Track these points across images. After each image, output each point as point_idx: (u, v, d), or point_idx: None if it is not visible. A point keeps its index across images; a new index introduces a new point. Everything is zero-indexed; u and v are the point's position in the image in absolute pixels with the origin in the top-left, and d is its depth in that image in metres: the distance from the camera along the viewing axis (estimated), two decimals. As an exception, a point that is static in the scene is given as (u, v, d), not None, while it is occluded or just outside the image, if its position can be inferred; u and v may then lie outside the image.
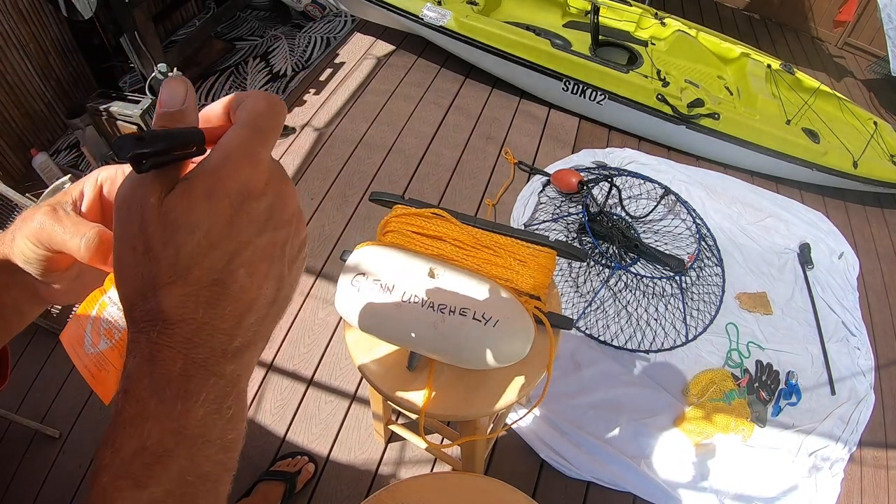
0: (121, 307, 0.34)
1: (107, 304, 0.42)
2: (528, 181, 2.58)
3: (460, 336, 0.70)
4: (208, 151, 0.30)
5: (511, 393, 0.82)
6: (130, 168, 0.28)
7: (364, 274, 0.72)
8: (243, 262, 0.29)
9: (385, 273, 0.73)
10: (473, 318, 0.71)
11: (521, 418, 1.67)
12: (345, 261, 0.78)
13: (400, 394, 0.84)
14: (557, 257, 0.87)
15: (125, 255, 0.28)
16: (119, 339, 0.42)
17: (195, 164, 0.29)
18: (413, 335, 0.72)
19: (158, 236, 0.27)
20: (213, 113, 0.33)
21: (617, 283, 2.22)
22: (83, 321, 0.43)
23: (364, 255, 0.75)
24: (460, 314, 0.71)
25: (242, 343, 0.30)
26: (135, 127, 2.23)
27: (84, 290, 0.43)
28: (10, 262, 0.39)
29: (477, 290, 0.73)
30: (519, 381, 0.82)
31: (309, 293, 2.08)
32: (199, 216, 0.27)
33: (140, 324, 0.28)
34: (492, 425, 1.38)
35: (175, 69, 2.29)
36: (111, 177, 0.41)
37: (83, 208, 0.39)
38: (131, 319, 0.29)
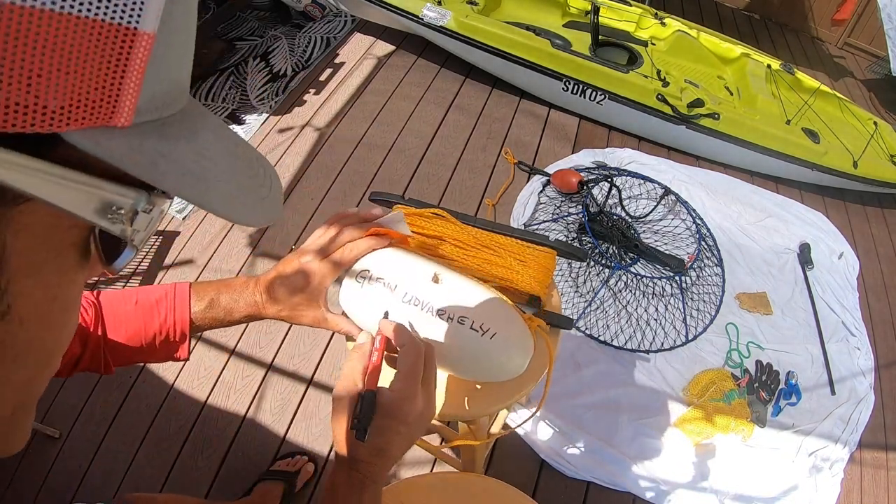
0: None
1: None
2: (528, 181, 2.58)
3: (455, 344, 0.70)
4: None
5: (510, 393, 0.82)
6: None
7: (368, 271, 0.72)
8: (395, 444, 0.57)
9: (389, 273, 0.72)
10: (471, 328, 0.70)
11: (525, 422, 1.67)
12: None
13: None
14: (558, 257, 0.87)
15: (339, 425, 0.58)
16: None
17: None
18: None
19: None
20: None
21: (617, 283, 2.22)
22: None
23: (371, 254, 0.75)
24: (458, 322, 0.70)
25: (386, 472, 0.60)
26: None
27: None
28: (260, 310, 0.69)
29: (479, 299, 0.73)
30: (518, 381, 0.82)
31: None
32: (380, 423, 0.56)
33: (349, 461, 0.57)
34: (491, 424, 1.37)
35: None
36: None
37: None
38: (344, 459, 0.58)
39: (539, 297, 0.82)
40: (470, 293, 0.73)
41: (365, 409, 0.54)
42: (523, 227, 2.37)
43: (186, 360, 0.70)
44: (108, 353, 0.65)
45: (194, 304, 0.68)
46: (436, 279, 0.74)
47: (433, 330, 0.70)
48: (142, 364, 1.81)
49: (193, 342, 1.88)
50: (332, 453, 0.58)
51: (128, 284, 2.10)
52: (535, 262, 0.83)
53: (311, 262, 0.69)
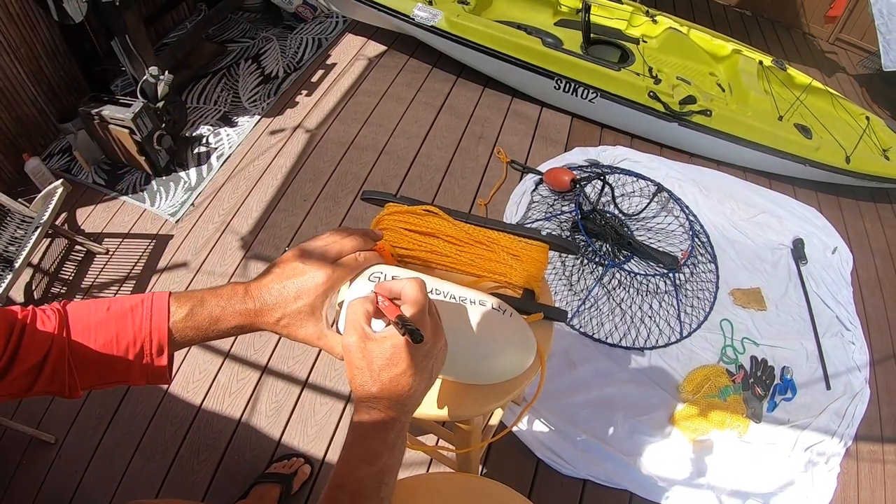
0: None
1: None
2: (520, 180, 2.58)
3: (483, 325, 0.71)
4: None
5: (505, 391, 0.81)
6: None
7: (381, 271, 0.70)
8: (409, 375, 0.57)
9: (400, 273, 0.72)
10: (493, 308, 0.73)
11: (521, 416, 1.67)
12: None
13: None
14: (550, 252, 0.87)
15: (353, 369, 0.58)
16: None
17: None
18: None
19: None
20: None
21: (611, 280, 2.22)
22: None
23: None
24: (480, 304, 0.72)
25: (405, 408, 0.58)
26: (126, 131, 2.23)
27: None
28: (262, 322, 0.62)
29: (483, 293, 0.75)
30: (513, 378, 0.82)
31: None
32: (394, 356, 0.56)
33: (366, 400, 0.57)
34: (486, 423, 1.37)
35: (166, 72, 2.28)
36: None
37: None
38: (362, 401, 0.58)
39: (532, 291, 0.83)
40: (473, 290, 0.75)
41: (404, 321, 0.55)
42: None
43: (168, 384, 0.61)
44: (74, 367, 0.57)
45: (174, 311, 0.59)
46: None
47: (460, 312, 0.70)
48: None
49: (177, 362, 1.86)
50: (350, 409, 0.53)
51: (120, 289, 2.09)
52: (527, 257, 0.83)
53: (317, 263, 0.62)
